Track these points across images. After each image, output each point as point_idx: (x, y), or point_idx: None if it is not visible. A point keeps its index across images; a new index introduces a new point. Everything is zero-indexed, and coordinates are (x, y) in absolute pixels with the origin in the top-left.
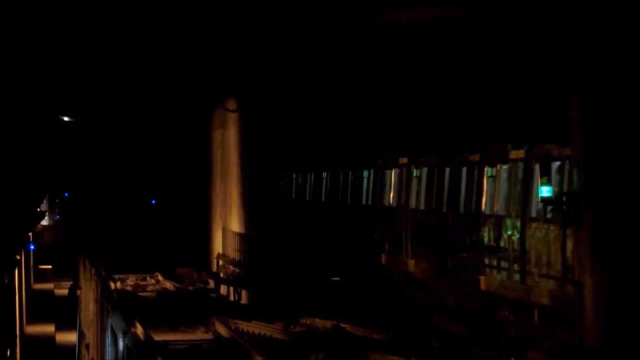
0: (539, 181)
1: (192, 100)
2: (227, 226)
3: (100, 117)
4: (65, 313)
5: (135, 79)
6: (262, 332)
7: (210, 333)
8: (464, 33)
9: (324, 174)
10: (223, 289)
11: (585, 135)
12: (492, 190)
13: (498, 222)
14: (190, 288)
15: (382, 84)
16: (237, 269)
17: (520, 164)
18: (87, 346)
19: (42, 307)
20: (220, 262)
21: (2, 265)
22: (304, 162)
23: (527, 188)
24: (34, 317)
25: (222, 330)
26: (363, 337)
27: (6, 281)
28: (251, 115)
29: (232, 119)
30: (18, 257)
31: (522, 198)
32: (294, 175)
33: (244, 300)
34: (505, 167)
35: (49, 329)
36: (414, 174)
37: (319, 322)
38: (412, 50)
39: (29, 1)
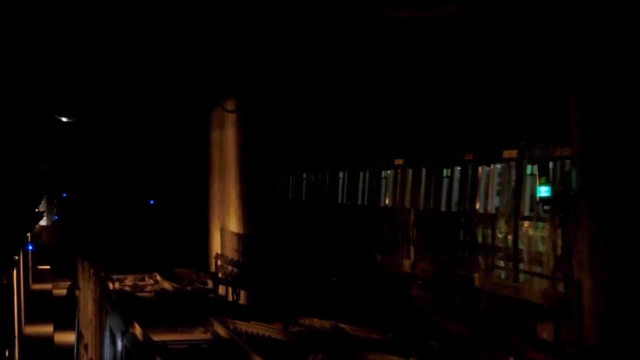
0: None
1: (190, 100)
2: (225, 226)
3: (98, 118)
4: (63, 313)
5: (134, 79)
6: (261, 333)
7: (208, 333)
8: (464, 33)
9: (304, 175)
10: (221, 289)
11: (585, 135)
12: (448, 189)
13: (453, 218)
14: (189, 288)
15: (382, 83)
16: (235, 269)
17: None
18: (86, 346)
19: (41, 307)
20: (219, 263)
21: (0, 265)
22: (304, 162)
23: (474, 187)
24: (33, 317)
25: (220, 330)
26: (362, 337)
27: (5, 281)
28: (250, 115)
29: (231, 119)
30: (16, 258)
31: (470, 196)
32: (290, 177)
33: (242, 301)
34: (458, 168)
35: (48, 329)
36: (382, 175)
37: (317, 322)
38: (412, 50)
39: (28, 1)
